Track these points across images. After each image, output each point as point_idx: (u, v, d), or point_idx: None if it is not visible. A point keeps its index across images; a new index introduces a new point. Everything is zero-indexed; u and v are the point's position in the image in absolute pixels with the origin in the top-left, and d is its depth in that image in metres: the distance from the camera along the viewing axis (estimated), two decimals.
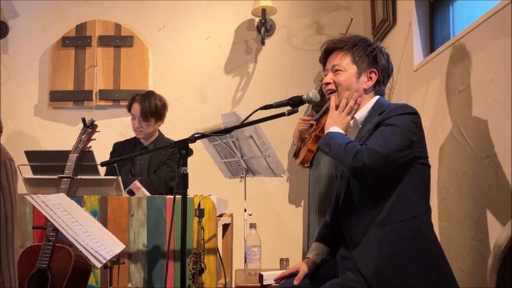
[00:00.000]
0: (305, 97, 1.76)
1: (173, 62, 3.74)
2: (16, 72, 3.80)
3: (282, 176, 2.69)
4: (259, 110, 1.81)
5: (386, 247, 1.51)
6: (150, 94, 2.95)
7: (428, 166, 1.61)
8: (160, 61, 3.74)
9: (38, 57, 3.79)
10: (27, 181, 2.42)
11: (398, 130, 1.53)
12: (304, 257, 3.46)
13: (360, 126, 1.69)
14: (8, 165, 0.76)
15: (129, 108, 2.97)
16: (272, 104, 1.82)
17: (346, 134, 1.67)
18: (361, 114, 1.69)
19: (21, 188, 2.77)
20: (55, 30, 3.75)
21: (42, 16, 3.79)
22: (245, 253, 2.36)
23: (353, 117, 1.70)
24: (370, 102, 1.70)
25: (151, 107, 2.90)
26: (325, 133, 1.66)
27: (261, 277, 2.10)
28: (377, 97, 1.71)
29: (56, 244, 2.00)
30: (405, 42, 2.70)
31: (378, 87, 1.72)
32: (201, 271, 1.93)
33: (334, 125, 1.68)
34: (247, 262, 2.35)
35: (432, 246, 1.54)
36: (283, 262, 2.40)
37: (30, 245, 2.11)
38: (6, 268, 0.74)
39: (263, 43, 3.69)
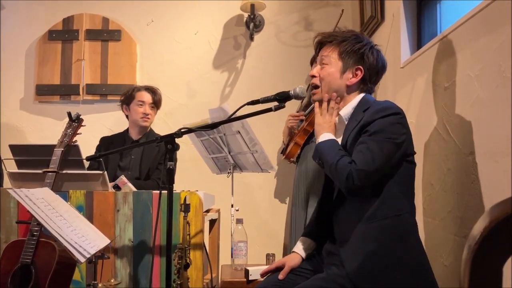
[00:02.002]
0: (292, 92, 1.76)
1: (161, 57, 3.72)
2: (1, 66, 3.75)
3: (269, 172, 2.69)
4: (246, 106, 1.81)
5: (370, 243, 1.52)
6: (153, 87, 3.04)
7: (414, 164, 1.62)
8: (148, 55, 3.72)
9: (24, 51, 3.74)
10: (12, 175, 2.40)
11: (383, 137, 1.52)
12: (285, 252, 3.48)
13: (346, 122, 1.69)
14: None
15: (131, 98, 2.96)
16: (259, 99, 1.82)
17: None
18: (346, 111, 1.69)
19: (6, 182, 2.74)
20: (42, 23, 3.71)
21: (28, 9, 3.74)
22: (232, 248, 2.36)
23: (338, 114, 1.71)
24: (356, 99, 1.70)
25: (159, 98, 3.02)
26: (316, 143, 1.66)
27: (247, 272, 2.10)
28: (363, 94, 1.71)
29: (41, 239, 1.98)
30: (392, 38, 2.71)
31: (364, 85, 1.70)
32: (187, 266, 1.93)
33: (322, 131, 1.68)
34: (233, 257, 2.36)
35: (414, 246, 1.55)
36: (269, 257, 2.41)
37: (14, 240, 2.09)
38: None
39: (251, 38, 3.68)
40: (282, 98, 1.77)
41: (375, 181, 1.52)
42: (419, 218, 1.62)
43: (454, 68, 1.86)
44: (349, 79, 1.68)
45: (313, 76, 1.76)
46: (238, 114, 1.90)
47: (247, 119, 2.21)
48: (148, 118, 2.97)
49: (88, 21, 3.68)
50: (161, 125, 3.40)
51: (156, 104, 3.01)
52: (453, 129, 1.87)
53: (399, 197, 1.56)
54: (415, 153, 1.62)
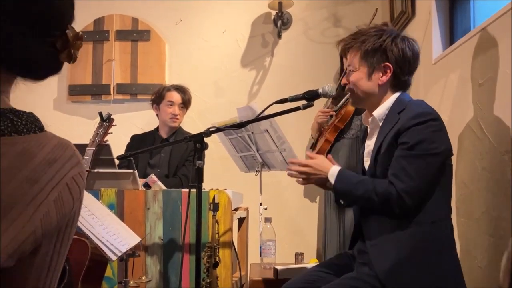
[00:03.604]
0: (321, 91, 1.74)
1: (190, 55, 3.74)
2: None
3: None
4: (275, 104, 1.80)
5: (403, 248, 1.50)
6: (184, 87, 3.06)
7: (451, 166, 1.58)
8: (177, 55, 3.75)
9: None
10: None
11: (424, 150, 1.48)
12: (318, 252, 3.46)
13: (380, 124, 1.65)
14: (84, 176, 0.83)
15: (161, 98, 3.00)
16: (287, 98, 1.82)
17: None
18: (380, 112, 1.64)
19: None
20: (74, 24, 3.77)
21: None
22: (260, 247, 2.36)
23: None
24: (390, 99, 1.64)
25: (189, 98, 3.04)
26: (333, 186, 1.63)
27: (276, 271, 2.10)
28: (398, 94, 1.66)
29: (74, 237, 2.02)
30: (424, 34, 2.65)
31: (399, 80, 1.63)
32: (216, 264, 1.94)
33: (329, 169, 1.64)
34: (262, 256, 2.36)
35: (448, 254, 1.52)
36: (298, 256, 2.40)
37: None
38: (54, 268, 0.79)
39: (279, 36, 3.66)
40: (310, 97, 1.76)
41: (425, 194, 1.49)
42: (452, 217, 1.58)
43: (489, 64, 1.80)
44: (380, 78, 1.63)
45: (346, 84, 1.73)
46: (266, 112, 1.90)
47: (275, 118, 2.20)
48: (177, 119, 3.00)
49: (118, 22, 3.74)
50: (190, 124, 3.42)
51: (186, 104, 3.02)
52: (488, 127, 1.81)
53: (436, 201, 1.52)
54: (452, 154, 1.58)
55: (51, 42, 0.82)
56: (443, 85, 2.32)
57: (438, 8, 2.52)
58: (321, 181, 1.66)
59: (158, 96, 3.03)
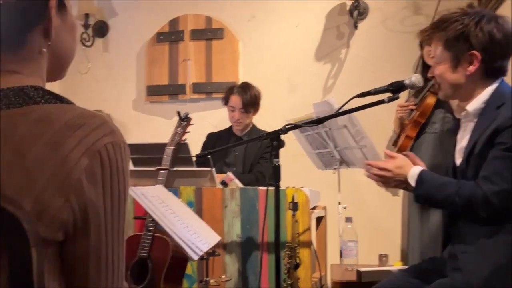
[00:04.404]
0: (407, 82, 1.62)
1: (262, 52, 3.71)
2: (115, 69, 4.01)
3: None
4: (354, 98, 1.71)
5: (500, 257, 1.36)
6: (248, 86, 2.99)
7: None
8: (250, 52, 3.73)
9: (135, 54, 3.96)
10: None
11: None
12: (403, 254, 3.28)
13: (475, 120, 1.50)
14: (123, 148, 0.74)
15: (226, 101, 3.00)
16: (370, 90, 1.72)
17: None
18: (474, 106, 1.48)
19: None
20: (150, 26, 3.89)
21: (138, 13, 3.95)
22: (341, 248, 2.28)
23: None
24: (486, 91, 1.48)
25: (251, 98, 2.95)
26: (413, 190, 1.52)
27: (359, 273, 2.01)
28: (495, 84, 1.49)
29: (155, 234, 2.06)
30: None
31: (489, 68, 1.47)
32: (296, 265, 1.88)
33: (409, 170, 1.53)
34: (343, 257, 2.27)
35: None
36: (382, 258, 2.29)
37: (132, 234, 2.20)
38: (111, 246, 0.74)
39: (355, 27, 3.52)
40: (396, 89, 1.65)
41: None
42: None
43: None
44: (467, 68, 1.47)
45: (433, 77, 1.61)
46: (346, 107, 1.81)
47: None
48: (240, 123, 2.97)
49: (193, 21, 3.78)
50: (263, 121, 3.38)
51: (247, 106, 2.92)
52: None
53: None
54: None
55: None
56: None
57: None
58: (402, 184, 1.57)
59: (224, 98, 3.03)
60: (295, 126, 1.93)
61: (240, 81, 3.41)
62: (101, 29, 3.97)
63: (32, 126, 0.69)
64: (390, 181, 1.58)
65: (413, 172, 1.52)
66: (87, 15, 3.81)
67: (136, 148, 2.55)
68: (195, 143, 2.92)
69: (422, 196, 1.52)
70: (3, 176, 0.67)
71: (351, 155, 2.51)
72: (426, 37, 1.59)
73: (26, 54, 0.78)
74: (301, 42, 3.65)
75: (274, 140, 1.81)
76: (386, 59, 3.49)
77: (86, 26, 3.86)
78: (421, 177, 1.50)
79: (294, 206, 1.95)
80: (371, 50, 3.53)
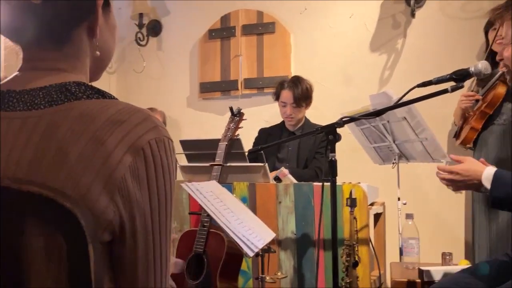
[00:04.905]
0: (473, 69, 1.52)
1: (315, 44, 3.63)
2: (169, 67, 4.07)
3: (442, 162, 2.41)
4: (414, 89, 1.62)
5: None
6: (299, 79, 2.92)
7: None
8: (302, 44, 3.67)
9: (188, 51, 4.00)
10: (183, 168, 2.56)
11: None
12: (467, 252, 3.11)
13: None
14: (167, 144, 0.72)
15: (277, 96, 2.96)
16: (431, 80, 1.62)
17: None
18: None
19: (178, 175, 2.95)
20: (202, 23, 3.91)
21: (190, 11, 3.98)
22: (401, 245, 2.18)
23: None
24: None
25: (303, 92, 2.88)
26: (489, 192, 1.42)
27: (421, 272, 1.91)
28: None
29: (210, 230, 2.06)
30: None
31: None
32: (355, 263, 1.81)
33: (482, 172, 1.44)
34: (403, 255, 2.17)
35: None
36: (446, 256, 2.17)
37: (187, 230, 2.21)
38: (158, 246, 0.72)
39: (413, 15, 3.37)
40: (460, 77, 1.54)
41: None
42: None
43: None
44: None
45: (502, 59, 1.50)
46: (405, 99, 1.73)
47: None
48: (292, 118, 2.91)
49: (244, 17, 3.77)
50: (317, 115, 3.31)
51: (298, 101, 2.86)
52: None
53: None
54: None
55: None
56: None
57: None
58: (474, 187, 1.48)
59: (275, 93, 2.99)
60: (351, 119, 1.86)
61: (292, 75, 3.36)
62: (154, 28, 4.04)
63: (74, 123, 0.67)
64: (460, 184, 1.53)
65: (487, 173, 1.43)
66: (141, 15, 3.88)
67: (190, 144, 2.57)
68: (247, 139, 2.91)
69: (500, 198, 1.42)
70: (51, 175, 0.66)
71: (411, 149, 2.40)
72: (498, 15, 1.48)
73: (71, 51, 0.77)
74: (355, 33, 3.55)
75: (329, 134, 1.75)
76: (445, 48, 3.32)
77: (140, 25, 3.93)
78: (496, 177, 1.41)
79: (352, 202, 1.88)
80: (429, 39, 3.37)
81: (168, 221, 0.73)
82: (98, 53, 0.80)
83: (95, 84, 0.77)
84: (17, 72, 0.77)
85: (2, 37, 0.79)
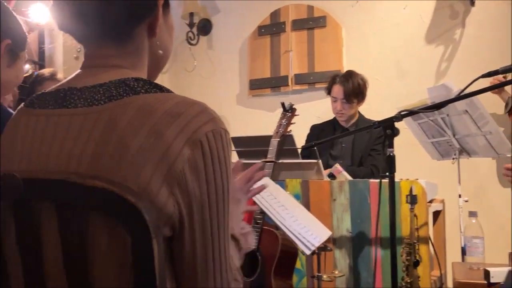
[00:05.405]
0: None
1: (368, 38, 3.54)
2: (219, 65, 4.10)
3: (508, 156, 2.28)
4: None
5: None
6: (351, 74, 2.84)
7: None
8: (354, 38, 3.58)
9: (237, 49, 4.01)
10: None
11: None
12: None
13: None
14: (224, 136, 0.71)
15: (328, 91, 2.90)
16: (497, 69, 1.53)
17: None
18: None
19: None
20: (252, 20, 3.91)
21: (239, 8, 3.99)
22: (464, 244, 2.07)
23: None
24: None
25: (354, 88, 2.78)
26: None
27: (487, 273, 1.80)
28: None
29: (264, 227, 2.04)
30: None
31: None
32: (416, 263, 1.74)
33: None
34: (466, 255, 2.06)
35: None
36: None
37: None
38: (217, 241, 0.71)
39: (472, 3, 3.20)
40: None
41: None
42: None
43: None
44: None
45: None
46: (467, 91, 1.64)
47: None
48: (342, 114, 2.83)
49: (294, 12, 3.73)
50: (371, 110, 3.22)
51: (349, 96, 2.76)
52: None
53: None
54: None
55: None
56: None
57: None
58: None
59: (327, 88, 2.92)
60: (410, 113, 1.79)
61: (344, 70, 3.29)
62: (205, 27, 4.07)
63: (133, 117, 0.68)
64: None
65: None
66: (191, 14, 3.92)
67: (241, 141, 2.56)
68: (298, 136, 2.87)
69: None
70: (113, 168, 0.66)
71: (473, 143, 2.28)
72: None
73: (131, 49, 0.77)
74: (409, 25, 3.43)
75: (387, 129, 1.68)
76: (508, 37, 3.13)
77: (191, 25, 3.98)
78: None
79: (412, 199, 1.81)
80: (490, 28, 3.20)
81: (226, 214, 0.72)
82: (161, 51, 0.81)
83: None
84: (79, 70, 0.78)
85: (63, 37, 0.80)
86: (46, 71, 2.53)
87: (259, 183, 1.03)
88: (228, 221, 0.73)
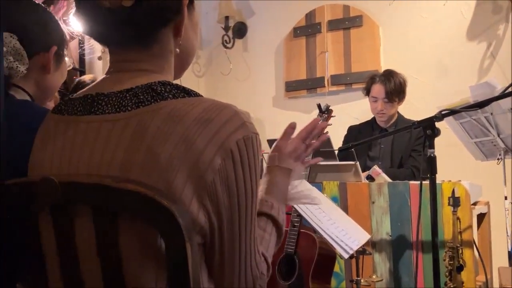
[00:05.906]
0: None
1: (406, 36, 3.45)
2: (255, 68, 4.10)
3: None
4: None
5: None
6: (391, 73, 2.79)
7: None
8: (392, 37, 3.50)
9: (273, 51, 4.00)
10: None
11: None
12: None
13: None
14: (255, 141, 0.72)
15: (367, 91, 2.85)
16: None
17: None
18: None
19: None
20: (287, 22, 3.89)
21: (274, 10, 3.98)
22: (511, 249, 1.99)
23: None
24: None
25: (396, 86, 2.74)
26: None
27: None
28: None
29: (301, 230, 2.02)
30: None
31: None
32: (460, 268, 1.68)
33: None
34: None
35: None
36: None
37: None
38: (244, 245, 0.72)
39: None
40: None
41: None
42: None
43: None
44: None
45: None
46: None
47: None
48: (383, 113, 2.77)
49: (329, 12, 3.69)
50: (411, 110, 3.15)
51: (391, 95, 2.71)
52: None
53: None
54: None
55: None
56: None
57: None
58: None
59: (366, 88, 2.86)
60: (451, 112, 1.72)
61: (382, 69, 3.23)
62: (240, 30, 4.09)
63: (162, 124, 0.67)
64: None
65: None
66: (227, 18, 3.95)
67: None
68: (335, 137, 2.83)
69: None
70: (144, 176, 0.66)
71: None
72: None
73: (157, 51, 0.77)
74: (449, 21, 3.32)
75: (427, 129, 1.63)
76: None
77: (226, 28, 4.00)
78: None
79: (455, 202, 1.75)
80: None
81: (253, 223, 0.72)
82: (177, 50, 0.80)
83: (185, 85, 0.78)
84: (105, 75, 0.79)
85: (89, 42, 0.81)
86: (87, 77, 2.60)
87: (297, 184, 1.05)
88: (254, 226, 0.73)
